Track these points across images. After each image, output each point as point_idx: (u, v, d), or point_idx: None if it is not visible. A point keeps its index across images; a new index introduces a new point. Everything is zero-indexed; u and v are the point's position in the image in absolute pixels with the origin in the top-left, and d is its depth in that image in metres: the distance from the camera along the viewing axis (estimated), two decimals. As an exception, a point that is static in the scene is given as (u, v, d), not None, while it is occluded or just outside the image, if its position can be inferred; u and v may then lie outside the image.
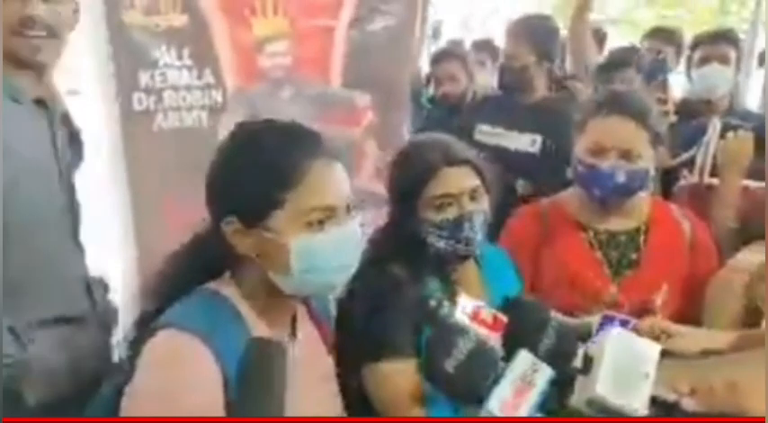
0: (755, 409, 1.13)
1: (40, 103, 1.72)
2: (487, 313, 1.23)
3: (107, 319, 1.80)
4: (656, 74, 3.06)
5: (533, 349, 1.22)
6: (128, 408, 1.11)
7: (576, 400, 1.18)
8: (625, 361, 1.16)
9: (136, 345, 1.18)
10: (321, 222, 1.18)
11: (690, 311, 1.77)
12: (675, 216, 1.95)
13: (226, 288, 1.23)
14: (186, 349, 1.11)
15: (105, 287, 1.85)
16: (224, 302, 1.21)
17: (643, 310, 1.70)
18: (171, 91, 2.42)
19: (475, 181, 1.59)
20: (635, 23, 11.33)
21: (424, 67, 4.05)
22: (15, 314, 1.52)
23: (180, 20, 2.42)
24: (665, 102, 2.73)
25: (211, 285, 1.24)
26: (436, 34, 5.12)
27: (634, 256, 1.87)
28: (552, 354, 1.23)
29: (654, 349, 1.19)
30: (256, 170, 1.18)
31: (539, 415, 1.14)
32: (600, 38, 4.04)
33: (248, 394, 1.00)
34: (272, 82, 2.92)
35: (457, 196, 1.56)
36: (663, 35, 4.03)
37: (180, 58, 2.46)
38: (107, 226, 2.41)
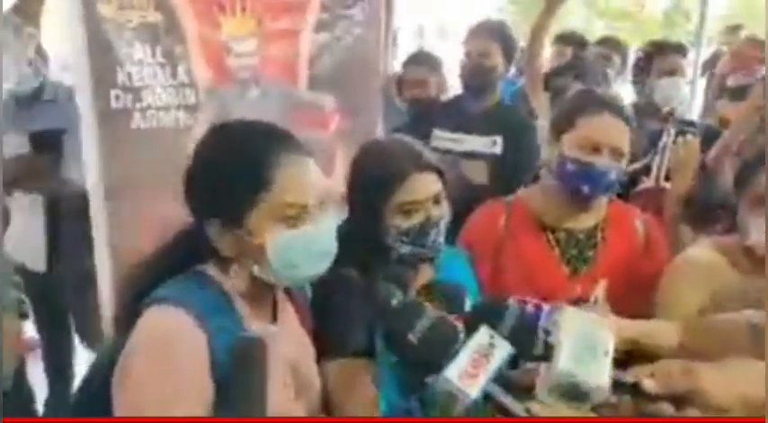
0: (712, 391, 1.18)
1: None
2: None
3: None
4: (598, 82, 3.21)
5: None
6: (121, 377, 1.18)
7: (540, 388, 1.21)
8: (582, 337, 1.21)
9: (129, 319, 1.24)
10: (295, 219, 1.24)
11: (644, 306, 1.82)
12: (630, 214, 2.02)
13: (213, 271, 1.32)
14: (179, 325, 1.19)
15: None
16: (214, 284, 1.30)
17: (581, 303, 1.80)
18: (148, 90, 2.41)
19: (438, 186, 1.62)
20: (587, 34, 11.85)
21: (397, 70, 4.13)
22: None
23: (153, 16, 2.46)
24: None
25: (200, 267, 1.32)
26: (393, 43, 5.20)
27: (590, 253, 1.92)
28: (513, 335, 1.27)
29: (608, 328, 1.26)
30: (230, 173, 1.25)
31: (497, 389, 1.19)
32: (579, 45, 4.37)
33: (231, 390, 1.07)
34: (240, 82, 2.99)
35: (423, 202, 1.59)
36: (611, 44, 4.50)
37: (154, 55, 2.47)
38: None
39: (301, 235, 1.25)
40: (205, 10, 2.75)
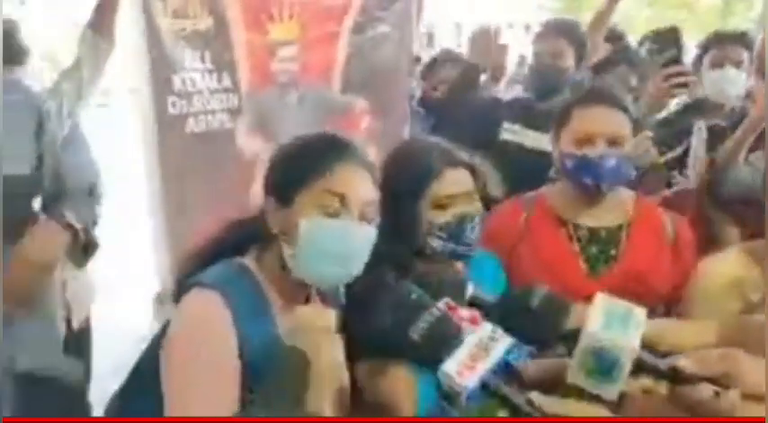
0: (749, 375, 1.16)
1: None
2: (464, 311, 1.32)
3: None
4: (646, 74, 3.17)
5: (523, 312, 1.30)
6: (165, 349, 1.35)
7: (571, 367, 1.20)
8: (612, 309, 1.22)
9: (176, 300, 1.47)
10: (335, 211, 1.37)
11: (672, 308, 1.86)
12: (658, 214, 2.01)
13: (249, 261, 1.45)
14: (207, 302, 1.34)
15: None
16: (250, 273, 1.43)
17: None
18: (198, 95, 2.57)
19: (471, 183, 1.68)
20: (636, 24, 11.44)
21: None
22: None
23: (205, 23, 2.62)
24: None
25: (240, 258, 1.46)
26: (430, 41, 5.18)
27: (613, 252, 1.92)
28: (543, 310, 1.29)
29: (640, 309, 1.26)
30: (295, 160, 1.44)
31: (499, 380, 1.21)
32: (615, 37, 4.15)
33: (270, 392, 1.27)
34: (280, 86, 3.13)
35: (458, 197, 1.65)
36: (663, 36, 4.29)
37: (203, 61, 2.60)
38: (142, 224, 2.50)
39: (334, 225, 1.37)
40: (254, 16, 2.95)
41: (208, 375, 1.28)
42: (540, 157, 2.77)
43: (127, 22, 2.44)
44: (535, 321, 1.28)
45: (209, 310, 1.33)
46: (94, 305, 2.57)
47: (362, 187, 1.42)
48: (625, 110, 1.89)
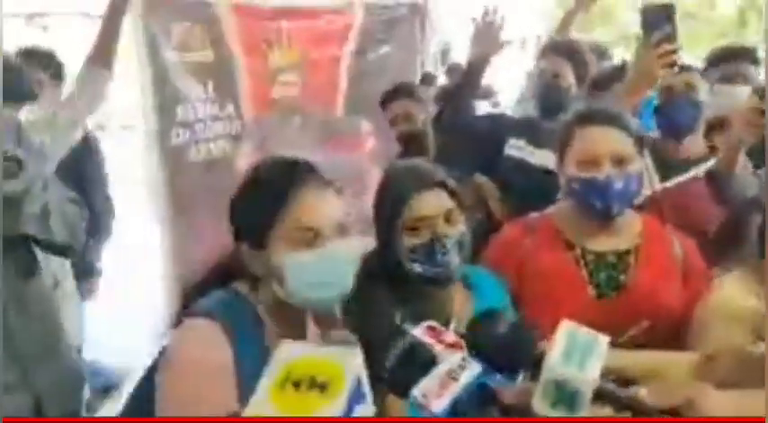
0: (710, 405, 1.17)
1: None
2: (446, 335, 1.32)
3: None
4: None
5: (487, 338, 1.30)
6: (159, 384, 1.36)
7: (535, 397, 1.21)
8: (573, 338, 1.25)
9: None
10: (309, 242, 1.38)
11: (671, 338, 1.78)
12: (667, 238, 1.96)
13: (244, 288, 1.46)
14: (203, 328, 1.36)
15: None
16: (244, 300, 1.44)
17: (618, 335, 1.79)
18: (200, 124, 2.65)
19: (448, 203, 1.65)
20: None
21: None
22: None
23: (207, 55, 2.67)
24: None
25: (234, 284, 1.47)
26: (444, 57, 5.18)
27: (622, 277, 1.87)
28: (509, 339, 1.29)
29: (603, 338, 1.30)
30: (255, 200, 1.42)
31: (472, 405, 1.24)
32: (600, 53, 4.17)
33: None
34: (282, 111, 3.18)
35: (430, 219, 1.63)
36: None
37: (206, 91, 2.70)
38: (149, 249, 2.60)
39: (314, 256, 1.38)
40: (254, 44, 3.04)
41: (204, 400, 1.29)
42: (545, 174, 2.74)
43: (131, 55, 2.54)
44: (502, 347, 1.29)
45: (205, 338, 1.35)
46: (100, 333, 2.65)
47: (329, 208, 1.42)
48: (626, 128, 1.86)
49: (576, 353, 1.24)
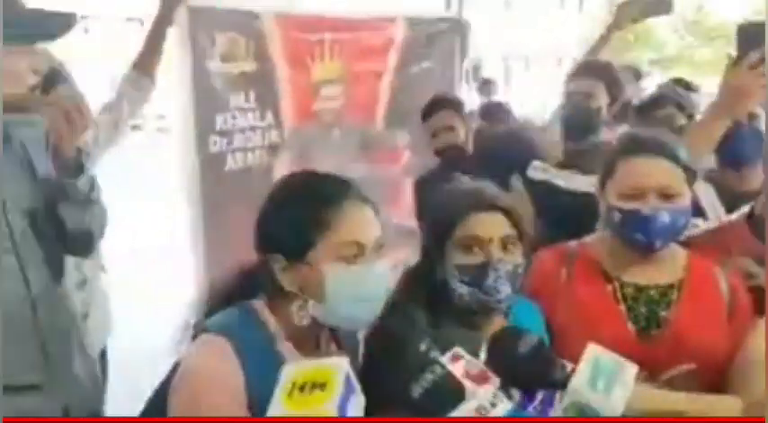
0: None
1: None
2: (473, 365, 1.30)
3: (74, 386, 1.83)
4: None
5: (510, 356, 1.30)
6: (170, 400, 1.38)
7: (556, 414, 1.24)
8: (600, 365, 1.24)
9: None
10: (353, 257, 1.37)
11: (722, 381, 1.71)
12: (714, 272, 1.84)
13: (261, 308, 1.43)
14: (214, 348, 1.35)
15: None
16: (260, 321, 1.42)
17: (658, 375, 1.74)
18: (239, 133, 2.66)
19: (507, 229, 1.59)
20: (693, 63, 10.99)
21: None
22: None
23: (251, 66, 2.69)
24: None
25: (251, 303, 1.44)
26: (476, 74, 5.18)
27: (664, 313, 1.77)
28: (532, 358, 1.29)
29: (631, 365, 1.28)
30: (297, 212, 1.40)
31: None
32: (636, 76, 4.12)
33: None
34: (323, 124, 3.17)
35: (485, 242, 1.57)
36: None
37: (247, 100, 2.69)
38: (183, 260, 2.58)
39: (357, 272, 1.37)
40: (298, 57, 3.03)
41: (212, 416, 1.29)
42: (572, 197, 2.74)
43: (175, 64, 2.55)
44: (521, 367, 1.28)
45: (216, 357, 1.33)
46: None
47: (371, 226, 1.41)
48: (675, 158, 1.75)
49: (602, 379, 1.22)
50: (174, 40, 2.55)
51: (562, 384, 1.25)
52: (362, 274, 1.38)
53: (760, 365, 1.59)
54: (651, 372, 1.69)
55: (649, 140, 1.81)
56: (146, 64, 2.45)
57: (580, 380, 1.22)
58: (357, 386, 1.16)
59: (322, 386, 1.10)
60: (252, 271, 1.49)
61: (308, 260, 1.37)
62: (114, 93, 2.47)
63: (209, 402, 1.29)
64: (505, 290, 1.56)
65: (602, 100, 2.93)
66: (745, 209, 2.17)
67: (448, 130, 3.10)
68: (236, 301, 1.46)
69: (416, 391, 1.19)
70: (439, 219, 1.65)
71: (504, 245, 1.57)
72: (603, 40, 3.51)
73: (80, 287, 2.53)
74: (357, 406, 1.13)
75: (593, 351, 1.29)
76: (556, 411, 1.28)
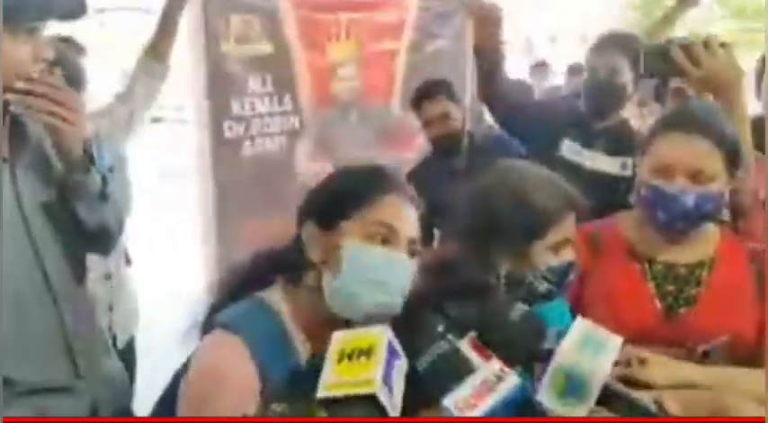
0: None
1: None
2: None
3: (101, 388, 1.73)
4: None
5: (501, 325, 1.28)
6: (180, 397, 1.32)
7: (541, 386, 1.20)
8: (587, 335, 1.23)
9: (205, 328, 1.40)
10: (382, 239, 1.31)
11: (754, 361, 1.64)
12: (744, 250, 1.77)
13: (273, 296, 1.36)
14: (225, 346, 1.28)
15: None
16: (267, 308, 1.35)
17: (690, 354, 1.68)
18: (257, 119, 2.54)
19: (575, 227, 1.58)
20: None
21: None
22: None
23: (266, 47, 2.57)
24: None
25: (262, 294, 1.37)
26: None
27: (693, 292, 1.71)
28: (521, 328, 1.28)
29: (617, 338, 1.26)
30: (339, 186, 1.38)
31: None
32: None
33: None
34: (341, 106, 3.07)
35: (569, 243, 1.55)
36: None
37: (264, 85, 2.59)
38: (193, 246, 2.51)
39: (382, 253, 1.30)
40: (313, 37, 2.92)
41: (221, 414, 1.22)
42: (599, 179, 2.65)
43: (189, 48, 2.45)
44: (512, 336, 1.25)
45: (228, 355, 1.27)
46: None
47: (409, 223, 1.36)
48: (714, 137, 1.63)
49: (590, 346, 1.21)
50: (188, 24, 2.44)
51: (548, 356, 1.23)
52: (386, 258, 1.30)
53: None
54: (681, 351, 1.62)
55: (690, 117, 1.69)
56: (158, 49, 2.33)
57: (567, 345, 1.20)
58: (400, 351, 1.16)
59: (368, 353, 1.12)
60: (268, 256, 1.41)
61: (338, 230, 1.31)
62: (128, 80, 2.37)
63: (217, 401, 1.23)
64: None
65: (626, 75, 2.73)
66: None
67: (443, 117, 2.92)
68: (252, 287, 1.37)
69: (421, 364, 1.17)
70: (531, 217, 1.53)
71: (573, 244, 1.56)
72: (674, 14, 3.25)
73: (105, 280, 2.47)
74: (400, 370, 1.14)
75: (580, 322, 1.27)
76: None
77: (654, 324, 1.68)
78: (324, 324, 1.33)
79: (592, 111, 2.84)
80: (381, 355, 1.10)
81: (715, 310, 1.68)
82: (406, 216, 1.36)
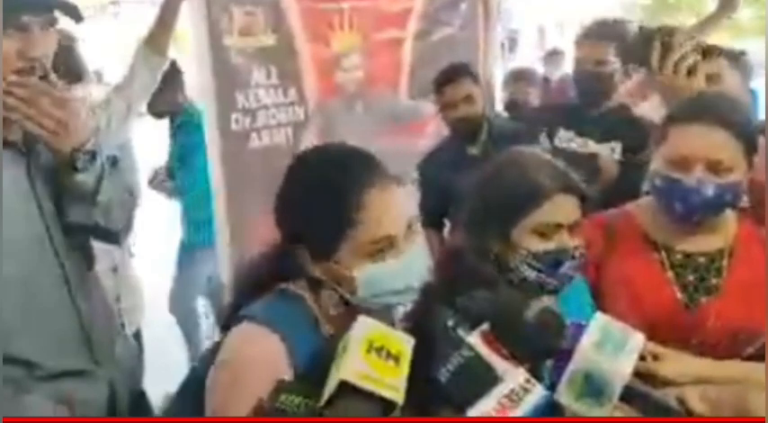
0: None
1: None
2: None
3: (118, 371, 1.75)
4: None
5: (517, 323, 1.22)
6: (209, 387, 1.29)
7: (561, 385, 1.17)
8: (608, 333, 1.19)
9: (226, 325, 1.36)
10: (382, 251, 1.26)
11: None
12: (761, 238, 1.73)
13: (304, 291, 1.32)
14: (263, 345, 1.24)
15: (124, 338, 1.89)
16: (300, 303, 1.31)
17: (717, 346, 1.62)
18: (263, 111, 2.53)
19: (578, 215, 1.48)
20: (735, 24, 10.58)
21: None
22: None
23: (270, 39, 2.56)
24: None
25: (290, 286, 1.33)
26: (512, 45, 4.94)
27: (714, 281, 1.67)
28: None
29: (640, 333, 1.22)
30: (320, 209, 1.26)
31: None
32: None
33: None
34: (347, 96, 3.07)
35: (562, 228, 1.46)
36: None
37: (269, 77, 2.57)
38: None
39: (388, 268, 1.26)
40: (316, 28, 2.90)
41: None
42: (594, 165, 2.64)
43: (192, 41, 2.43)
44: (528, 334, 1.20)
45: (264, 346, 1.23)
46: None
47: (399, 209, 1.28)
48: (734, 128, 1.59)
49: (610, 345, 1.17)
50: (190, 18, 2.41)
51: (567, 355, 1.19)
52: (395, 269, 1.26)
53: None
54: (701, 341, 1.60)
55: (708, 108, 1.64)
56: (157, 41, 2.32)
57: (586, 345, 1.15)
58: None
59: (396, 359, 1.08)
60: (281, 254, 1.35)
61: (334, 257, 1.25)
62: (126, 72, 2.35)
63: (254, 391, 1.15)
64: (574, 273, 1.47)
65: (613, 64, 2.74)
66: None
67: (467, 100, 2.92)
68: (268, 285, 1.33)
69: (444, 375, 1.13)
70: (515, 196, 1.47)
71: (574, 230, 1.47)
72: (714, 19, 3.09)
73: (111, 273, 2.48)
74: None
75: (599, 319, 1.22)
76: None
77: (674, 314, 1.65)
78: (346, 315, 1.29)
79: (583, 99, 2.87)
80: (406, 365, 1.07)
81: (737, 300, 1.64)
82: (396, 208, 1.29)
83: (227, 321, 1.34)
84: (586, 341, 1.16)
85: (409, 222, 1.29)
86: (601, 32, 2.80)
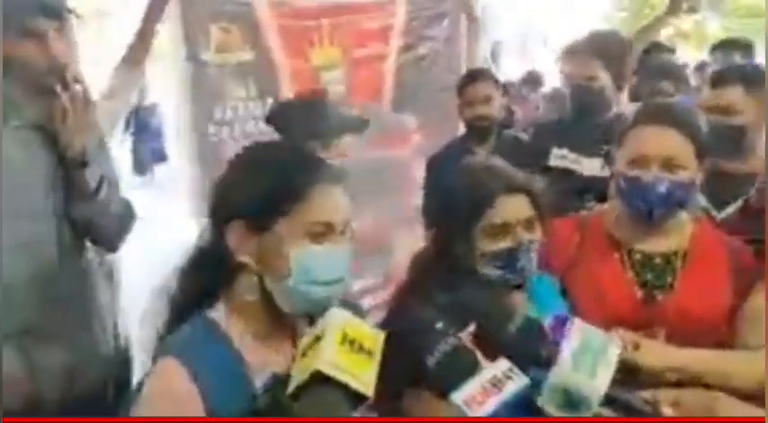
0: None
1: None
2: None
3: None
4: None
5: (501, 335, 1.31)
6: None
7: (542, 394, 1.21)
8: (585, 347, 1.22)
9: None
10: (321, 236, 1.26)
11: (718, 340, 1.70)
12: (719, 240, 1.83)
13: (217, 314, 1.30)
14: (170, 376, 1.23)
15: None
16: (211, 327, 1.29)
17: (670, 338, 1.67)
18: (240, 122, 2.56)
19: (530, 211, 1.56)
20: (706, 37, 10.65)
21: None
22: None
23: (248, 55, 2.57)
24: None
25: (207, 313, 1.30)
26: (495, 56, 4.94)
27: (669, 279, 1.77)
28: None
29: (615, 343, 1.27)
30: (267, 181, 1.27)
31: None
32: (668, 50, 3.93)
33: None
34: (327, 108, 3.03)
35: (513, 226, 1.53)
36: (734, 47, 3.90)
37: (247, 91, 2.60)
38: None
39: (325, 251, 1.26)
40: (295, 44, 2.95)
41: None
42: (590, 183, 2.64)
43: (169, 57, 2.49)
44: (512, 345, 1.25)
45: (171, 385, 1.22)
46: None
47: (342, 207, 1.30)
48: (685, 130, 1.70)
49: (588, 357, 1.21)
50: (168, 32, 2.47)
51: (547, 362, 1.23)
52: (329, 255, 1.26)
53: (755, 323, 1.63)
54: (655, 335, 1.66)
55: (662, 111, 1.76)
56: (136, 58, 2.35)
57: (565, 361, 1.19)
58: None
59: (369, 353, 1.10)
60: (204, 256, 1.33)
61: (275, 230, 1.24)
62: (106, 85, 2.36)
63: None
64: (533, 267, 1.55)
65: (603, 79, 2.74)
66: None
67: (485, 100, 3.01)
68: (192, 300, 1.30)
69: (431, 361, 1.20)
70: (462, 203, 1.57)
71: (528, 226, 1.54)
72: (659, 22, 3.26)
73: (98, 266, 2.53)
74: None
75: (578, 328, 1.26)
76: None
77: (634, 311, 1.72)
78: (276, 323, 1.31)
79: (574, 116, 2.85)
80: (377, 360, 1.10)
81: (691, 297, 1.73)
82: (339, 203, 1.30)
83: (154, 353, 1.31)
84: (567, 353, 1.19)
85: (347, 223, 1.30)
86: (589, 48, 2.80)
